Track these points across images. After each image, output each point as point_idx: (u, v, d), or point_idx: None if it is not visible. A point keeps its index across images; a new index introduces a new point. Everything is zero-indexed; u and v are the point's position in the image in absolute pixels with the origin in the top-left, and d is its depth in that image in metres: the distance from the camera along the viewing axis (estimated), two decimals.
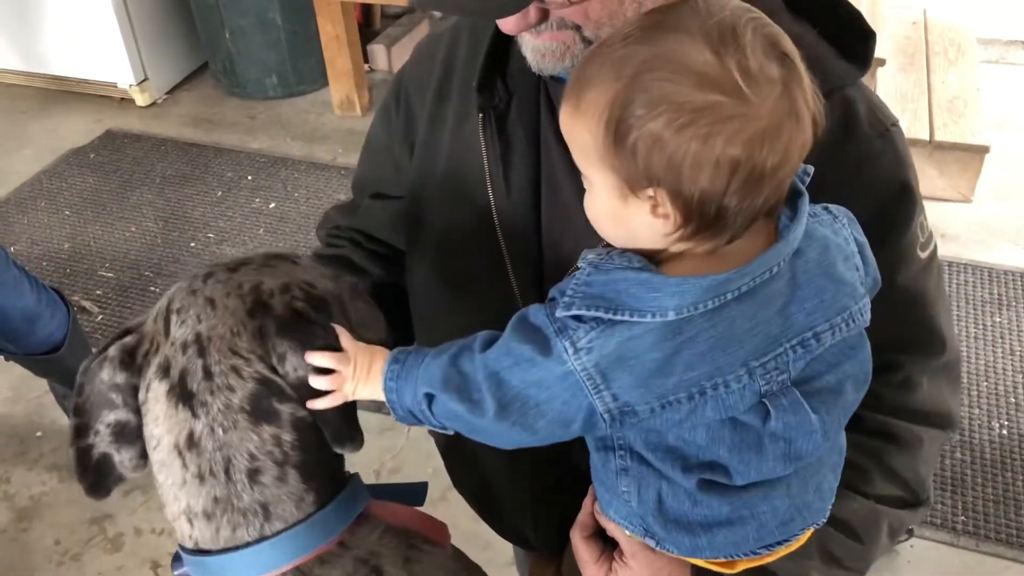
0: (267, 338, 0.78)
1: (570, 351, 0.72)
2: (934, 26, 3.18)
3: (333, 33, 3.14)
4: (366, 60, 3.49)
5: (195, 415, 0.77)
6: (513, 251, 0.98)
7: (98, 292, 2.52)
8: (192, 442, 0.77)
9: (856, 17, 0.87)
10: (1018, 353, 2.21)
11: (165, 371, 0.79)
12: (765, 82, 0.66)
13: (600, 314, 0.71)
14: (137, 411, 0.81)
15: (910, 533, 1.78)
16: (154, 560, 1.85)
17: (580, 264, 0.75)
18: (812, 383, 0.78)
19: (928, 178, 2.71)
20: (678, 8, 0.70)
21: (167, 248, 2.69)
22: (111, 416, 0.81)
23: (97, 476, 0.82)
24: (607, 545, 0.95)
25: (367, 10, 3.63)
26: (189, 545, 0.80)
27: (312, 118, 3.33)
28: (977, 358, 2.21)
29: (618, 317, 0.70)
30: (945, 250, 2.56)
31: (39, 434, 2.13)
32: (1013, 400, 2.09)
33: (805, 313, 0.74)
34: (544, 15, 0.82)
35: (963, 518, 1.85)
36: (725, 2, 0.71)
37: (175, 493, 0.79)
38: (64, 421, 2.08)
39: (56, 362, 1.81)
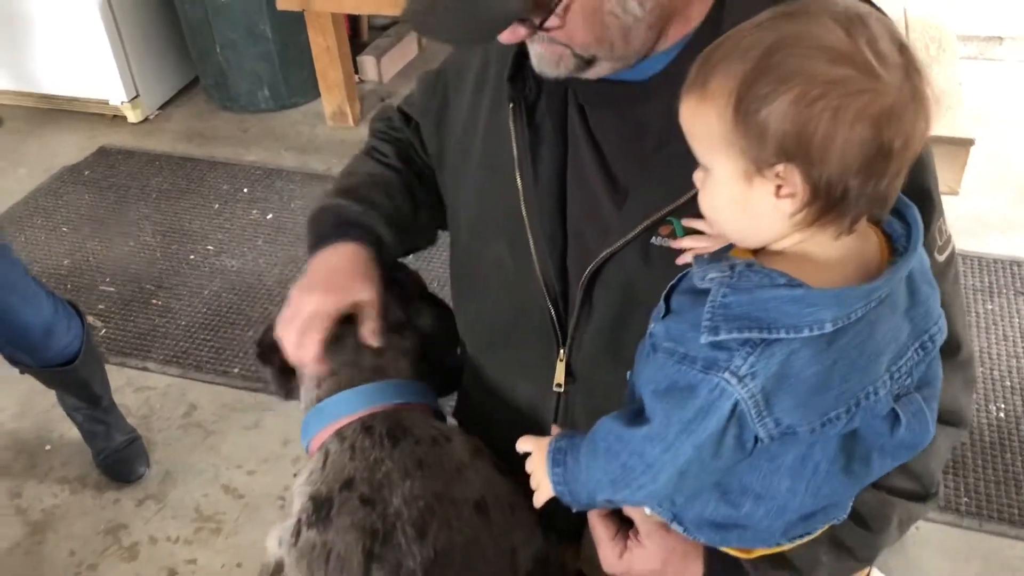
0: (407, 298, 1.17)
1: (734, 382, 0.72)
2: (915, 23, 3.24)
3: (324, 45, 3.17)
4: (356, 71, 3.52)
5: (347, 322, 1.07)
6: (538, 238, 1.01)
7: (100, 307, 2.53)
8: (339, 339, 1.07)
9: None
10: (1011, 338, 2.27)
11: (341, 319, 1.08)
12: (891, 64, 0.68)
13: (752, 335, 0.71)
14: None
15: None
16: (171, 568, 1.86)
17: (700, 283, 0.76)
18: (924, 390, 0.82)
19: None
20: (804, 2, 0.72)
21: (167, 261, 2.70)
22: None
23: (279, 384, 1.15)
24: (623, 524, 0.98)
25: (355, 22, 3.66)
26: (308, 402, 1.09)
27: (305, 130, 3.35)
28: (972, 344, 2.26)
29: (774, 335, 0.71)
30: None
31: (48, 447, 2.14)
32: (1008, 384, 2.14)
33: (921, 317, 0.78)
34: (535, 28, 0.86)
35: (965, 499, 1.89)
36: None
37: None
38: (73, 434, 2.09)
39: (70, 374, 1.82)
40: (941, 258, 0.96)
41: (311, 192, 2.98)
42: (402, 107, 1.26)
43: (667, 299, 0.81)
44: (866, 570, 1.14)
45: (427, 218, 1.21)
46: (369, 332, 1.09)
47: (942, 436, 0.99)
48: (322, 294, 1.06)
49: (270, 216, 2.88)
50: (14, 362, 1.78)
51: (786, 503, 0.81)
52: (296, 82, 3.43)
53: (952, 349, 0.98)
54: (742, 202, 0.74)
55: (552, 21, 0.84)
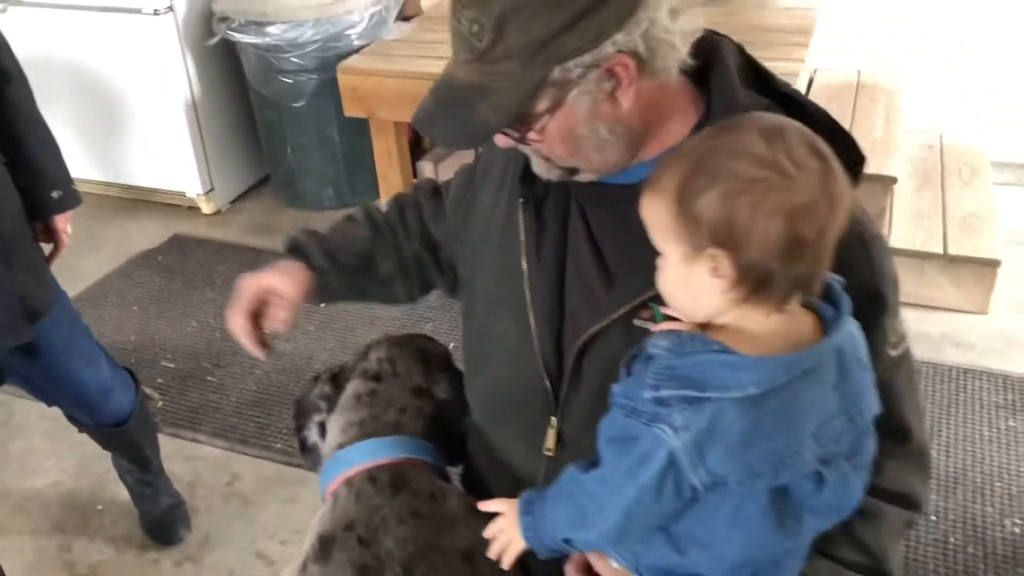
0: (431, 367, 1.35)
1: (669, 432, 0.84)
2: (949, 149, 3.36)
3: (385, 149, 3.40)
4: (415, 175, 3.75)
5: (379, 384, 1.29)
6: (538, 314, 1.14)
7: (160, 380, 2.71)
8: (370, 394, 1.28)
9: (853, 144, 1.01)
10: None
11: (362, 373, 1.31)
12: (805, 168, 0.82)
13: (688, 392, 0.83)
14: (331, 412, 1.32)
15: None
16: None
17: (652, 351, 0.89)
18: (853, 459, 0.91)
19: (943, 290, 2.84)
20: (738, 118, 0.88)
21: (225, 342, 2.88)
22: (318, 418, 1.33)
23: (309, 456, 1.35)
24: None
25: (418, 131, 3.91)
26: (332, 451, 1.25)
27: None
28: (991, 460, 2.29)
29: (706, 394, 0.83)
30: (962, 358, 2.66)
31: (100, 507, 2.29)
32: None
33: (852, 392, 0.89)
34: (517, 141, 1.01)
35: None
36: (776, 116, 0.89)
37: (344, 417, 1.27)
38: (124, 496, 2.24)
39: (123, 435, 1.97)
40: (894, 353, 1.06)
41: None
42: (439, 185, 1.43)
43: (628, 366, 0.93)
44: None
45: (396, 273, 1.37)
46: (276, 319, 1.28)
47: (893, 516, 1.07)
48: (248, 278, 1.29)
49: (323, 305, 3.06)
50: (73, 421, 1.94)
51: (725, 552, 0.90)
52: (359, 183, 3.66)
53: (903, 437, 1.07)
54: (686, 281, 0.87)
55: (532, 136, 0.99)
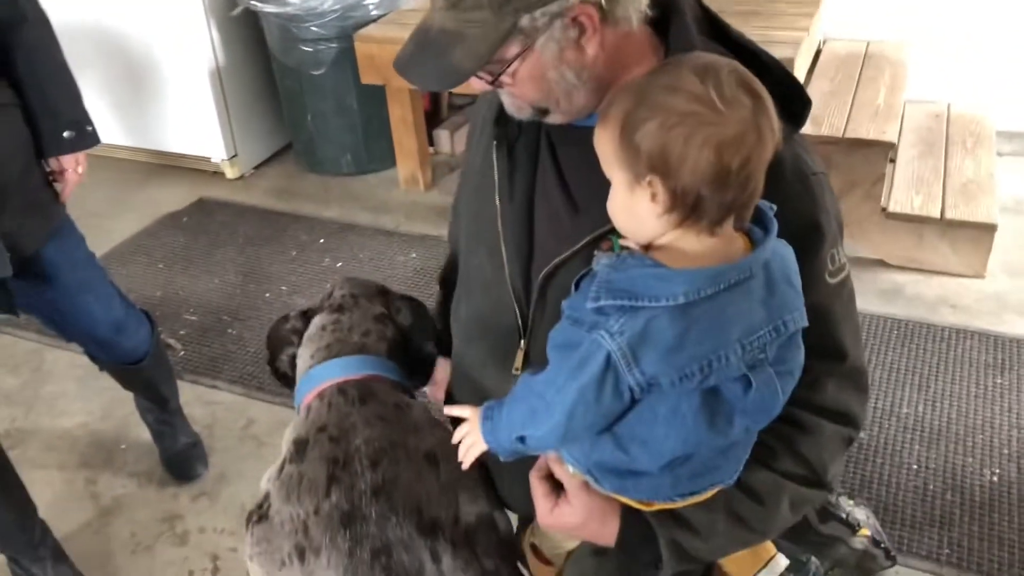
0: (392, 298, 1.45)
1: (607, 337, 0.93)
2: (956, 119, 3.40)
3: (401, 116, 3.51)
4: (431, 143, 3.86)
5: (342, 314, 1.38)
6: (509, 248, 1.23)
7: (182, 332, 2.85)
8: (334, 323, 1.37)
9: (799, 87, 1.09)
10: (1015, 411, 2.36)
11: (327, 307, 1.40)
12: (736, 104, 0.90)
13: (624, 302, 0.92)
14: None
15: (893, 560, 1.92)
16: (214, 553, 2.10)
17: (595, 268, 0.98)
18: (778, 366, 1.00)
19: (941, 255, 2.90)
20: (677, 57, 0.97)
21: (244, 298, 3.02)
22: (290, 350, 1.42)
23: (284, 384, 1.45)
24: (556, 487, 1.17)
25: (436, 99, 4.02)
26: (302, 372, 1.36)
27: (380, 192, 3.69)
28: (976, 414, 2.36)
29: (639, 304, 0.92)
30: (955, 319, 2.73)
31: (123, 446, 2.43)
32: (1006, 452, 2.24)
33: (777, 306, 0.97)
34: (490, 84, 1.08)
35: (947, 551, 1.99)
36: (712, 56, 0.97)
37: (311, 345, 1.36)
38: (145, 437, 2.38)
39: (139, 373, 2.09)
40: (833, 281, 1.14)
41: (379, 245, 3.28)
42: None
43: (577, 284, 1.03)
44: (771, 553, 1.30)
45: None
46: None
47: (832, 432, 1.16)
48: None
49: (340, 264, 3.19)
50: (93, 358, 2.07)
51: (662, 447, 1.00)
52: (376, 150, 3.78)
53: (840, 357, 1.15)
54: (629, 206, 0.97)
55: (504, 79, 1.07)
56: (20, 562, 1.93)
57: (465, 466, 1.15)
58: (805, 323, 1.01)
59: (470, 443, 1.13)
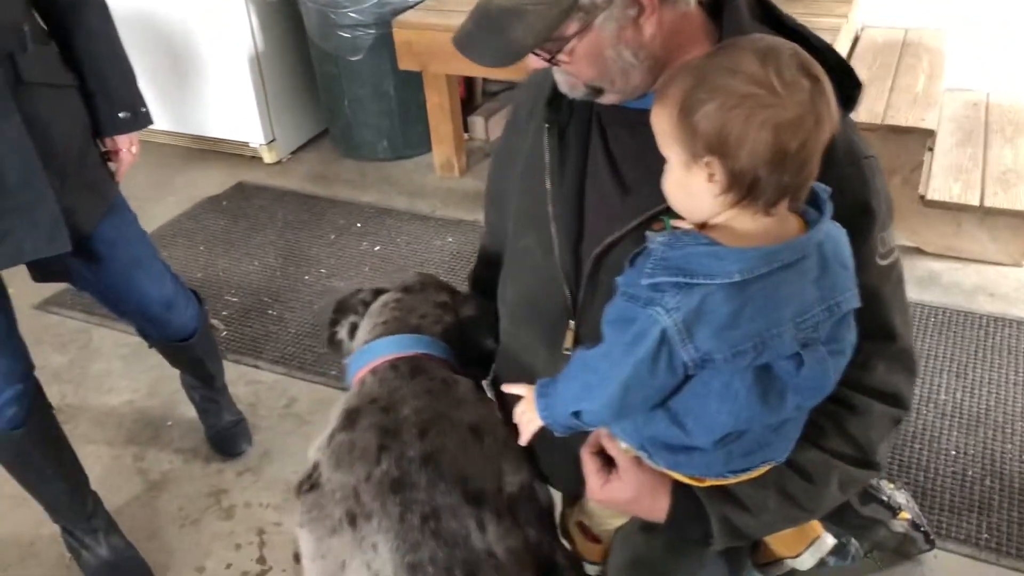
0: (459, 294, 1.50)
1: (662, 313, 0.95)
2: (995, 108, 3.38)
3: (437, 102, 3.54)
4: (466, 129, 3.89)
5: (406, 294, 1.46)
6: (559, 230, 1.25)
7: (224, 313, 2.90)
8: (397, 301, 1.45)
9: (850, 71, 1.11)
10: None
11: (397, 287, 1.50)
12: (795, 88, 0.92)
13: (679, 279, 0.95)
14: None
15: (932, 544, 1.94)
16: (260, 528, 2.15)
17: (651, 245, 1.00)
18: (830, 345, 1.02)
19: (980, 243, 2.89)
20: (738, 39, 0.99)
21: (284, 280, 3.07)
22: (352, 318, 1.50)
23: (334, 349, 1.53)
24: (607, 463, 1.20)
25: (470, 86, 4.04)
26: (359, 346, 1.43)
27: (416, 177, 3.72)
28: (1015, 401, 2.36)
29: (695, 281, 0.94)
30: (993, 307, 2.73)
31: (170, 423, 2.49)
32: None
33: (829, 287, 0.99)
34: (548, 62, 1.10)
35: (986, 536, 2.00)
36: (772, 37, 0.99)
37: (371, 320, 1.44)
38: (191, 415, 2.43)
39: (188, 350, 2.14)
40: (884, 263, 1.15)
41: (416, 229, 3.32)
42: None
43: (631, 261, 1.05)
44: (817, 532, 1.32)
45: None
46: None
47: (881, 412, 1.17)
48: None
49: (378, 248, 3.22)
50: (143, 335, 2.12)
51: (714, 422, 1.02)
52: (412, 136, 3.81)
53: (889, 339, 1.17)
54: (685, 185, 0.98)
55: (561, 57, 1.09)
56: (74, 533, 1.98)
57: (523, 442, 1.17)
58: (858, 304, 1.03)
59: (527, 420, 1.15)
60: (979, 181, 2.93)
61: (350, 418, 1.29)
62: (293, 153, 3.95)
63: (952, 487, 2.12)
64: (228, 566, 2.06)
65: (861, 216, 1.12)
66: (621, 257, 1.16)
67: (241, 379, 2.61)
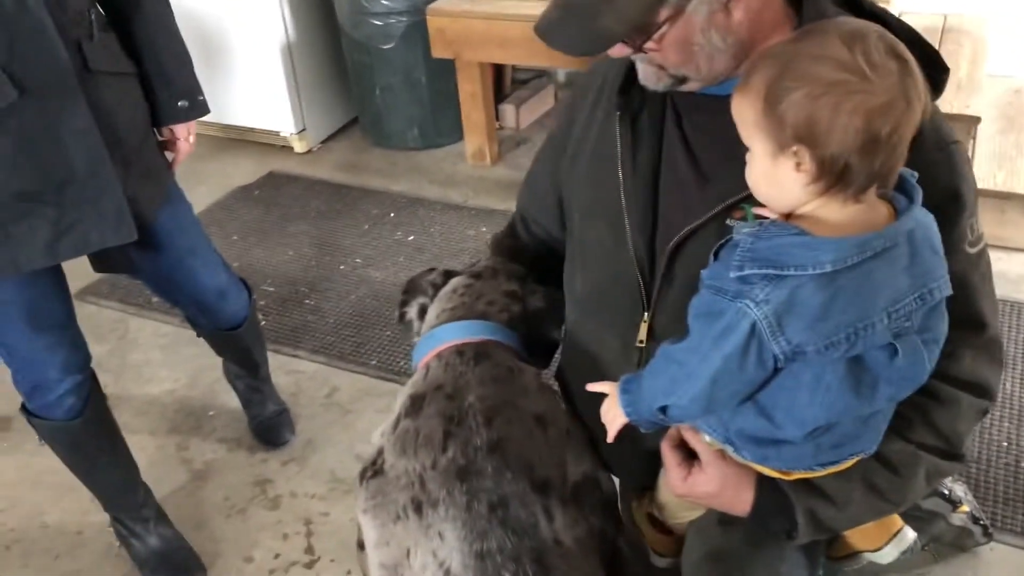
0: (529, 283, 1.48)
1: (752, 306, 0.94)
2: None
3: (470, 91, 3.51)
4: (497, 118, 3.86)
5: (476, 280, 1.44)
6: (633, 221, 1.23)
7: (261, 303, 2.89)
8: (466, 287, 1.43)
9: (935, 54, 1.08)
10: None
11: (467, 271, 1.48)
12: (884, 71, 0.89)
13: (769, 271, 0.93)
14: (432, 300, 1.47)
15: (989, 537, 1.91)
16: (306, 518, 2.14)
17: (737, 237, 0.98)
18: (924, 334, 1.00)
19: None
20: (822, 23, 0.96)
21: (320, 269, 3.06)
22: (422, 299, 1.49)
23: (404, 330, 1.52)
24: (688, 456, 1.18)
25: (499, 75, 4.01)
26: (425, 330, 1.42)
27: (447, 166, 3.70)
28: None
29: (785, 272, 0.92)
30: None
31: (212, 413, 2.48)
32: None
33: (921, 274, 0.97)
34: (636, 49, 1.08)
35: None
36: (857, 20, 0.97)
37: (440, 304, 1.43)
38: (233, 404, 2.42)
39: (237, 339, 2.13)
40: (972, 251, 1.13)
41: (449, 219, 3.30)
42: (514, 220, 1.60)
43: (716, 254, 1.03)
44: (898, 525, 1.30)
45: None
46: None
47: (968, 404, 1.15)
48: None
49: (412, 238, 3.21)
50: (193, 323, 2.11)
51: (805, 415, 1.00)
52: (443, 125, 3.79)
53: (979, 328, 1.15)
54: (771, 175, 0.96)
55: (650, 45, 1.06)
56: (124, 522, 1.98)
57: (609, 439, 1.16)
58: (950, 291, 1.01)
59: (611, 417, 1.14)
60: (1023, 169, 2.89)
61: (415, 404, 1.28)
62: (323, 142, 3.93)
63: (1006, 478, 2.10)
64: (276, 556, 2.06)
65: (950, 203, 1.10)
66: (698, 248, 1.14)
67: (281, 369, 2.60)
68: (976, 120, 2.82)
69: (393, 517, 1.23)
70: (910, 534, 1.27)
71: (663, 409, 1.06)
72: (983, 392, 1.16)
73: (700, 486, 1.15)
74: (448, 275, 1.50)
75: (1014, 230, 2.85)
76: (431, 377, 1.31)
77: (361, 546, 1.36)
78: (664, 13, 1.03)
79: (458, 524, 1.17)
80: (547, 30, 1.08)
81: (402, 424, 1.27)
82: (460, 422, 1.22)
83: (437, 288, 1.47)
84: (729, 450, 1.11)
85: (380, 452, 1.30)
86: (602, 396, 1.18)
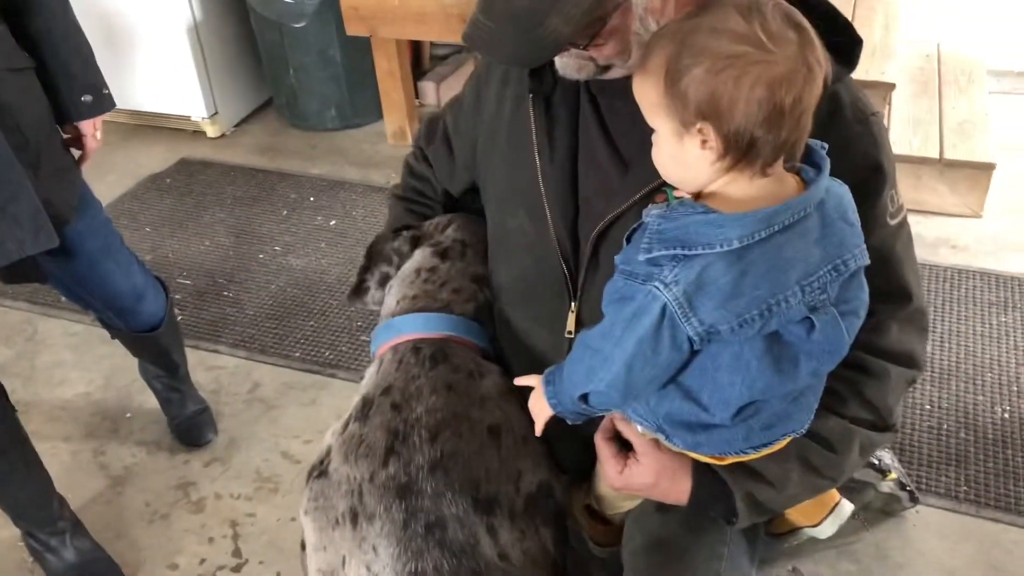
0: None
1: (662, 287, 0.91)
2: (947, 58, 3.40)
3: (388, 69, 3.43)
4: (417, 96, 3.78)
5: (442, 262, 1.36)
6: (553, 208, 1.20)
7: (177, 297, 2.79)
8: (431, 270, 1.35)
9: (848, 26, 1.06)
10: (1021, 348, 2.39)
11: (433, 245, 1.38)
12: (783, 40, 0.87)
13: (677, 251, 0.91)
14: (398, 269, 1.37)
15: (916, 501, 1.95)
16: (232, 520, 2.07)
17: (646, 219, 0.96)
18: (841, 306, 0.98)
19: (940, 195, 2.91)
20: None
21: (238, 259, 2.96)
22: (384, 268, 1.40)
23: (357, 296, 1.44)
24: (623, 447, 1.16)
25: (417, 51, 3.93)
26: (385, 318, 1.35)
27: (367, 147, 3.61)
28: (984, 353, 2.39)
29: (692, 252, 0.90)
30: (956, 259, 2.75)
31: (128, 415, 2.38)
32: (1015, 388, 2.27)
33: (834, 245, 0.95)
34: (581, 48, 1.03)
35: (964, 488, 2.02)
36: None
37: (401, 289, 1.35)
38: (150, 404, 2.33)
39: (155, 340, 2.04)
40: (894, 222, 1.13)
41: (372, 202, 3.22)
42: (419, 143, 1.54)
43: (628, 238, 1.01)
44: (835, 499, 1.30)
45: None
46: None
47: (897, 375, 1.15)
48: None
49: (333, 222, 3.13)
50: (107, 326, 2.01)
51: (728, 395, 0.98)
52: (361, 104, 3.69)
53: (905, 299, 1.15)
54: (678, 154, 0.94)
55: (598, 41, 1.02)
56: (37, 536, 1.89)
57: (537, 432, 1.13)
58: (867, 261, 1.00)
59: (538, 410, 1.11)
60: (937, 133, 2.94)
61: (364, 408, 1.23)
62: (237, 126, 3.80)
63: (929, 441, 2.14)
64: (202, 561, 1.99)
65: (873, 175, 1.09)
66: (622, 233, 1.12)
67: (200, 364, 2.51)
68: (891, 86, 2.85)
69: (332, 522, 1.19)
70: (847, 507, 1.28)
71: (584, 398, 1.03)
72: (911, 362, 1.17)
73: (636, 478, 1.13)
74: (415, 242, 1.41)
75: (929, 194, 2.90)
76: (382, 376, 1.26)
77: (304, 547, 1.31)
78: (609, 6, 0.99)
79: (392, 541, 1.13)
80: (484, 43, 1.01)
81: (350, 428, 1.23)
82: (404, 438, 1.18)
83: (402, 257, 1.40)
84: (661, 438, 1.09)
85: (328, 452, 1.24)
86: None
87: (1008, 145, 3.20)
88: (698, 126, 0.89)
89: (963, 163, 2.84)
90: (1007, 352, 2.38)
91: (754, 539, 1.25)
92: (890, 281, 1.11)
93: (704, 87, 0.87)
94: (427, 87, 3.83)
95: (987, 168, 2.82)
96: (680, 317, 0.92)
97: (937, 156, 2.84)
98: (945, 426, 2.17)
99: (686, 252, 0.91)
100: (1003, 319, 2.49)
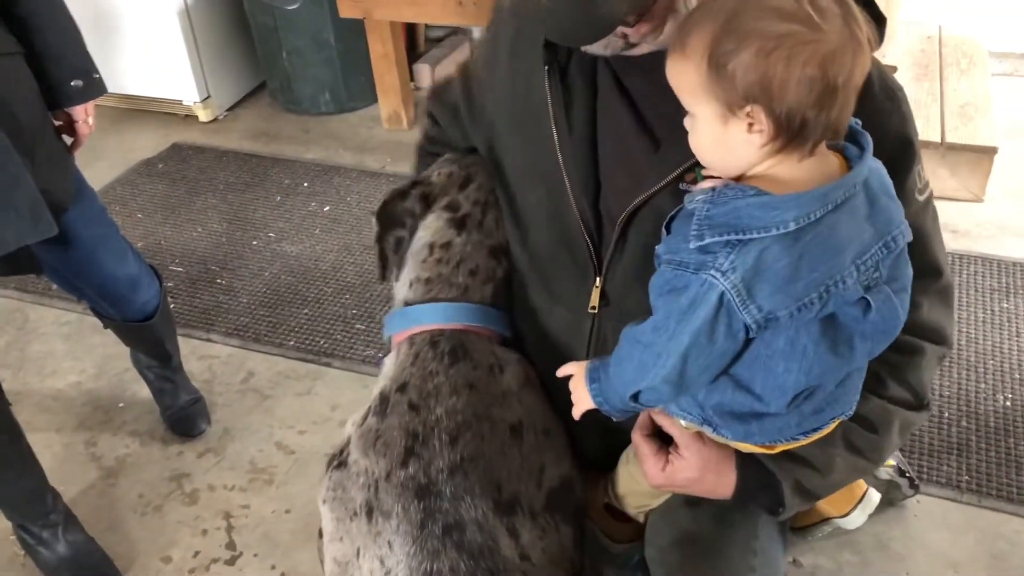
0: None
1: (719, 276, 0.88)
2: (948, 40, 3.35)
3: (382, 52, 3.38)
4: (412, 79, 3.74)
5: (458, 235, 1.28)
6: (573, 182, 1.16)
7: (170, 284, 2.75)
8: (444, 246, 1.28)
9: (871, 3, 1.02)
10: (1023, 335, 2.36)
11: (449, 208, 1.30)
12: (831, 16, 0.84)
13: (731, 236, 0.87)
14: (412, 232, 1.32)
15: (916, 489, 1.92)
16: (226, 511, 2.05)
17: (688, 205, 0.93)
18: (893, 283, 0.96)
19: (940, 179, 2.87)
20: None
21: (231, 246, 2.92)
22: (399, 232, 1.33)
23: (386, 275, 1.36)
24: (664, 443, 1.13)
25: (412, 33, 3.88)
26: (399, 300, 1.30)
27: (362, 131, 3.57)
28: (985, 339, 2.36)
29: (747, 236, 0.87)
30: (957, 244, 2.72)
31: (121, 405, 2.36)
32: (1018, 376, 2.24)
33: (883, 222, 0.93)
34: (629, 26, 1.00)
35: (966, 478, 2.00)
36: None
37: (414, 268, 1.28)
38: (143, 394, 2.30)
39: (147, 330, 2.01)
40: (921, 198, 1.11)
41: (366, 187, 3.19)
42: (432, 110, 1.48)
43: (667, 227, 0.97)
44: (863, 488, 1.27)
45: None
46: None
47: (931, 351, 1.14)
48: None
49: (327, 208, 3.09)
50: (100, 315, 1.98)
51: (784, 383, 0.95)
52: (355, 87, 3.65)
53: (933, 274, 1.13)
54: (721, 139, 0.90)
55: (645, 19, 0.99)
56: (30, 529, 1.86)
57: (575, 416, 1.10)
58: (911, 237, 0.98)
59: (578, 398, 1.08)
60: (939, 116, 2.91)
61: (382, 403, 1.21)
62: (230, 110, 3.76)
63: (930, 430, 2.12)
64: (196, 554, 1.96)
65: (902, 151, 1.07)
66: (653, 214, 1.09)
67: (193, 354, 2.48)
68: (893, 69, 2.81)
69: (349, 514, 1.18)
70: (875, 496, 1.25)
71: (635, 396, 1.00)
72: (943, 338, 1.15)
73: (680, 473, 1.10)
74: (426, 200, 1.34)
75: (931, 178, 2.86)
76: (398, 370, 1.22)
77: (321, 534, 1.29)
78: None
79: (408, 540, 1.12)
80: (544, 19, 0.99)
81: (368, 421, 1.21)
82: (425, 440, 1.15)
83: (415, 218, 1.33)
84: (708, 431, 1.06)
85: (348, 442, 1.23)
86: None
87: (1011, 128, 3.16)
88: (747, 109, 0.86)
89: (964, 147, 2.80)
90: (1009, 339, 2.36)
91: (784, 532, 1.24)
92: (923, 257, 1.09)
93: (754, 71, 0.84)
94: (422, 70, 3.79)
95: (989, 152, 2.78)
96: (738, 305, 0.89)
97: (938, 139, 2.80)
98: (946, 414, 2.15)
99: (740, 237, 0.87)
100: (1005, 305, 2.47)
